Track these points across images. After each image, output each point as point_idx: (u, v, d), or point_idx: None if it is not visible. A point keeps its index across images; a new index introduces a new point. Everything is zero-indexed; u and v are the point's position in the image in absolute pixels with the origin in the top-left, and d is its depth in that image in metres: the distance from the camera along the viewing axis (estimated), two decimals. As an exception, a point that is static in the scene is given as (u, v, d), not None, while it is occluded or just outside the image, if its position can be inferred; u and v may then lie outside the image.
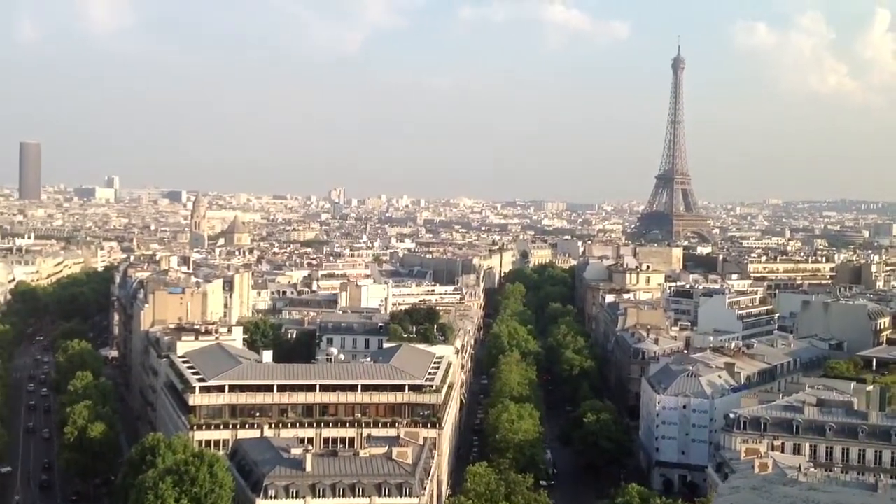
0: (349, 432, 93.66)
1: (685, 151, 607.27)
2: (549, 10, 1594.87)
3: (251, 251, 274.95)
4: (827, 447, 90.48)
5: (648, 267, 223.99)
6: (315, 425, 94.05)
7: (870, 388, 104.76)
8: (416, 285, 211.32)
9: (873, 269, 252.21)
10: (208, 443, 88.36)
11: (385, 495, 75.36)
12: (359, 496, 75.08)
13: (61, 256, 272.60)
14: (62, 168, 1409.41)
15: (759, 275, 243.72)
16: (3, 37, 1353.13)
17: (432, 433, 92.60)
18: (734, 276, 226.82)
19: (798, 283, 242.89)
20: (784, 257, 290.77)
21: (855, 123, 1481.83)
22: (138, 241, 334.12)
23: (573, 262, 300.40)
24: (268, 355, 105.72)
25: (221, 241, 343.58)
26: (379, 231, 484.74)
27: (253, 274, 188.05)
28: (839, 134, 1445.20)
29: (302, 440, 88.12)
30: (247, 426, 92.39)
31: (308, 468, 75.79)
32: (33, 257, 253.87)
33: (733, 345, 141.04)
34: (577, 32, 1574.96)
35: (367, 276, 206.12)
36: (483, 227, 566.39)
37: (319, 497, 74.34)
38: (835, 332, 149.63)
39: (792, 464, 79.19)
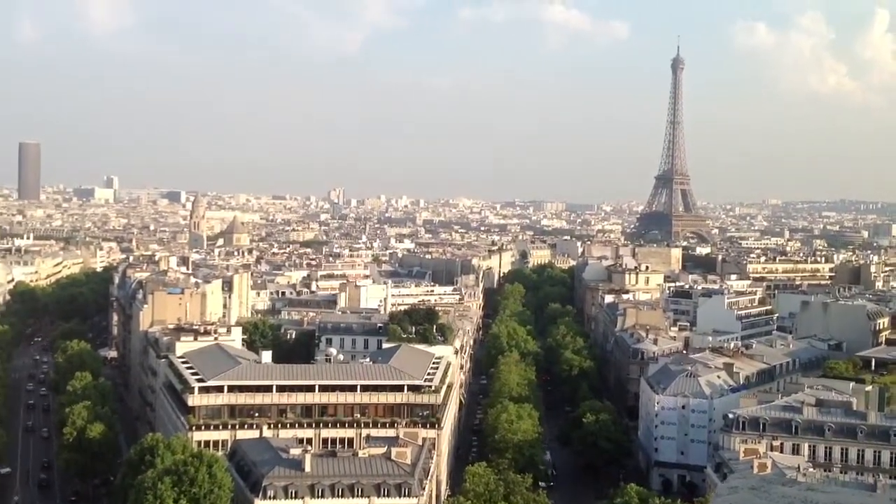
0: (348, 433, 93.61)
1: (684, 152, 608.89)
2: (548, 10, 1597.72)
3: (250, 251, 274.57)
4: (826, 447, 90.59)
5: (647, 267, 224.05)
6: (314, 426, 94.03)
7: (869, 388, 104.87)
8: (416, 286, 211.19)
9: (872, 269, 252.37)
10: (207, 443, 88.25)
11: (384, 496, 75.36)
12: (358, 496, 75.07)
13: (60, 257, 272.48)
14: (61, 168, 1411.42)
15: (758, 275, 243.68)
16: (3, 37, 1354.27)
17: (431, 433, 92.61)
18: (733, 277, 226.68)
19: (797, 283, 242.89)
20: (783, 258, 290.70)
21: (854, 123, 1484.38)
22: (137, 241, 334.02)
23: (572, 263, 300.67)
24: (267, 356, 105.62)
25: (220, 241, 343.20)
26: (378, 231, 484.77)
27: (252, 274, 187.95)
28: (839, 134, 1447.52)
29: (301, 440, 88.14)
30: (246, 426, 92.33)
31: (307, 468, 75.78)
32: (32, 258, 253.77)
33: (732, 345, 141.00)
34: (576, 32, 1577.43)
35: (367, 277, 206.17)
36: (482, 228, 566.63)
37: (318, 497, 74.33)
38: (834, 332, 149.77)
39: (791, 464, 79.27)
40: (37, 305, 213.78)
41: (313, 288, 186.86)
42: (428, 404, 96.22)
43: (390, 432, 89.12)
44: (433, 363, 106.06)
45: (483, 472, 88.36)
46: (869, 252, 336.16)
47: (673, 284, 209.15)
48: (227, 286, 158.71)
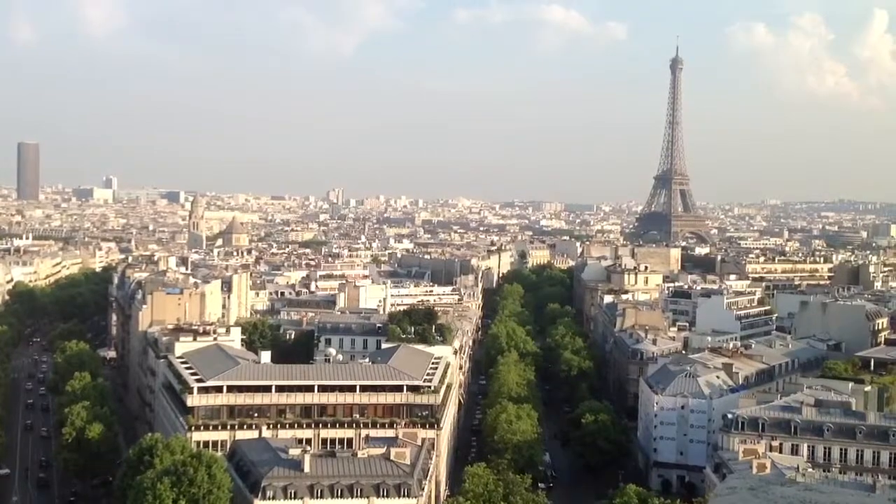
0: (347, 433, 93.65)
1: (683, 152, 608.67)
2: (546, 11, 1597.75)
3: (249, 252, 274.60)
4: (825, 447, 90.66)
5: (647, 267, 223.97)
6: (313, 426, 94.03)
7: (868, 388, 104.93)
8: (415, 286, 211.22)
9: (871, 269, 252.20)
10: (206, 443, 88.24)
11: (383, 496, 75.28)
12: (357, 497, 74.99)
13: (59, 257, 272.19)
14: (60, 168, 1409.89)
15: (757, 275, 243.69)
16: (2, 38, 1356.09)
17: (431, 434, 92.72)
18: (732, 277, 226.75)
19: (796, 283, 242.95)
20: (782, 258, 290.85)
21: (853, 124, 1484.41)
22: (136, 241, 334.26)
23: (571, 263, 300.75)
24: (266, 356, 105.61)
25: (220, 241, 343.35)
26: (377, 231, 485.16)
27: (251, 274, 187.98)
28: (837, 134, 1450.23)
29: (300, 441, 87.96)
30: (245, 427, 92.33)
31: (306, 469, 75.70)
32: (31, 258, 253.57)
33: (731, 345, 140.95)
34: (575, 34, 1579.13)
35: (366, 277, 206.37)
36: (481, 228, 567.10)
37: (317, 498, 74.25)
38: (833, 332, 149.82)
39: (790, 464, 79.29)
40: (36, 306, 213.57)
41: (312, 288, 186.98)
42: (427, 404, 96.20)
43: (389, 433, 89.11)
44: (432, 363, 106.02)
45: (482, 472, 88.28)
46: (868, 252, 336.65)
47: (672, 285, 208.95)
48: (227, 286, 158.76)
